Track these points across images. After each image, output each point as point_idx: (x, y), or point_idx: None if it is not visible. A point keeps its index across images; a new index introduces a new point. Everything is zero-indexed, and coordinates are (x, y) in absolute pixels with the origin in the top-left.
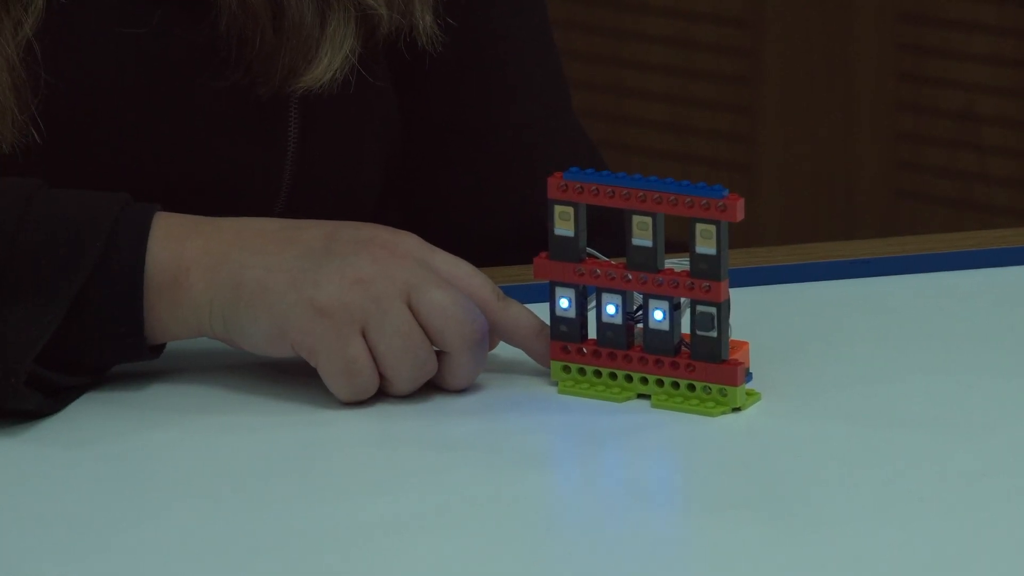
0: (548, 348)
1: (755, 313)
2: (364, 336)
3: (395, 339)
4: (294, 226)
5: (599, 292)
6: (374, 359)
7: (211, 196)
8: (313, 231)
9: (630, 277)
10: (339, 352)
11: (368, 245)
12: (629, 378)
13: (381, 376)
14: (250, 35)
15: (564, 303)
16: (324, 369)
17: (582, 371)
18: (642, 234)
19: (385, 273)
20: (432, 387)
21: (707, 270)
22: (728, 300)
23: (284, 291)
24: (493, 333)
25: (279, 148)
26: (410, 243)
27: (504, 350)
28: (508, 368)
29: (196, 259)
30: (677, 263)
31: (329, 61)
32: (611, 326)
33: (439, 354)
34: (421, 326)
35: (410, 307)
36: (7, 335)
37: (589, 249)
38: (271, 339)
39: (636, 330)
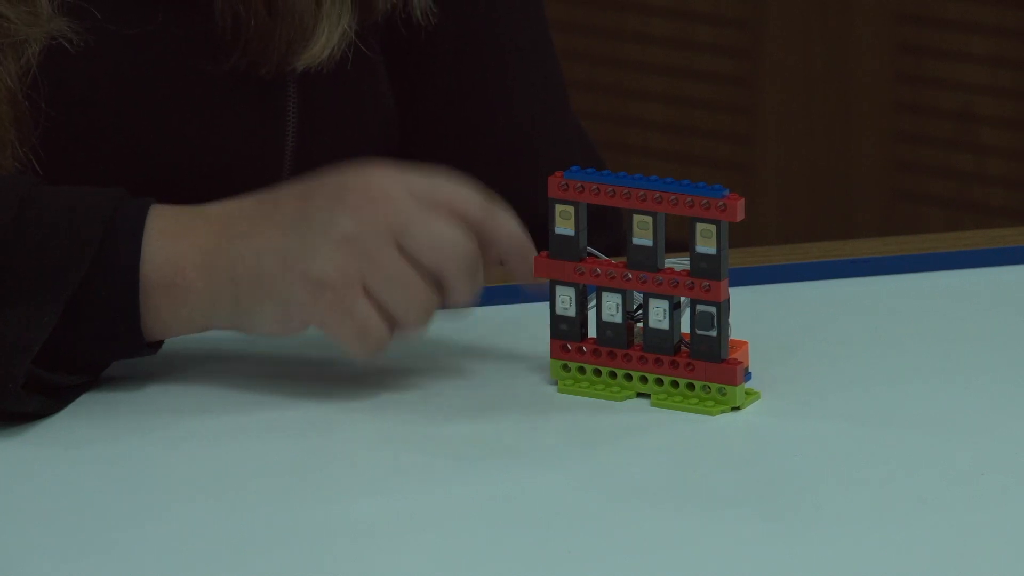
0: (531, 266)
1: (754, 312)
2: (365, 291)
3: (395, 289)
4: (270, 199)
5: (599, 291)
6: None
7: (212, 185)
8: (287, 199)
9: (630, 276)
10: (347, 318)
11: (343, 196)
12: (629, 377)
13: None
14: (244, 16)
15: (564, 302)
16: (336, 336)
17: (582, 370)
18: (642, 233)
19: (368, 224)
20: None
21: (707, 269)
22: (728, 299)
23: (279, 273)
24: (480, 244)
25: (279, 133)
26: (383, 181)
27: (503, 349)
28: (508, 368)
29: (191, 257)
30: (677, 262)
31: (327, 38)
32: (611, 325)
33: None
34: (416, 265)
35: (400, 249)
36: (4, 338)
37: (589, 248)
38: (279, 322)
39: (636, 329)
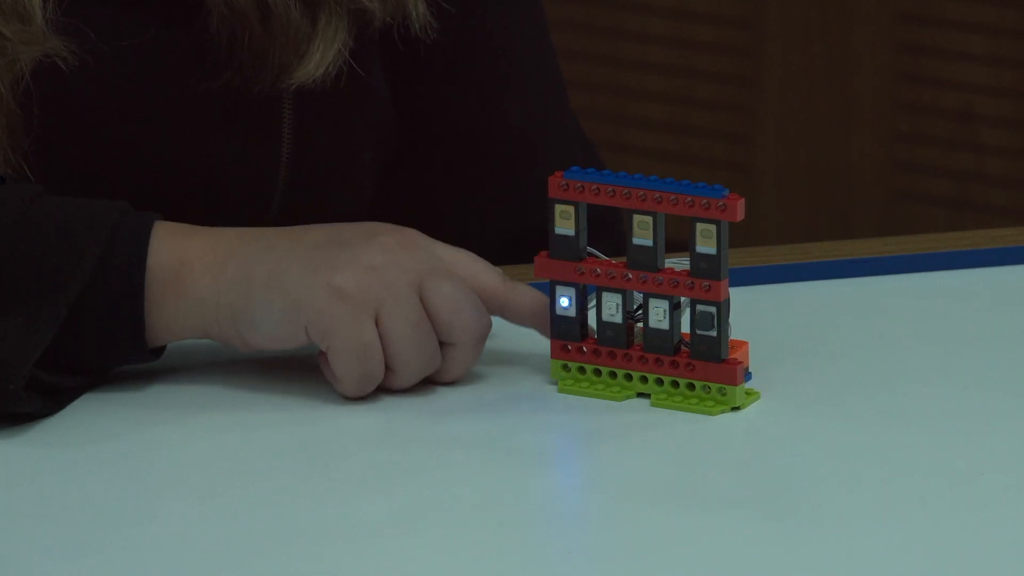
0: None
1: (754, 312)
2: (378, 320)
3: (407, 328)
4: (299, 229)
5: (599, 291)
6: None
7: (207, 198)
8: (318, 231)
9: (630, 276)
10: (355, 335)
11: (375, 236)
12: (629, 377)
13: (387, 367)
14: (239, 34)
15: (564, 302)
16: (337, 351)
17: (582, 370)
18: (642, 233)
19: (396, 262)
20: (431, 384)
21: (707, 269)
22: (728, 299)
23: (300, 274)
24: (503, 315)
25: (273, 148)
26: (415, 234)
27: (503, 349)
28: (508, 367)
29: (200, 256)
30: (677, 262)
31: (321, 56)
32: (611, 325)
33: (440, 345)
34: (430, 318)
35: (421, 296)
36: (5, 342)
37: (589, 248)
38: (283, 324)
39: (636, 329)
